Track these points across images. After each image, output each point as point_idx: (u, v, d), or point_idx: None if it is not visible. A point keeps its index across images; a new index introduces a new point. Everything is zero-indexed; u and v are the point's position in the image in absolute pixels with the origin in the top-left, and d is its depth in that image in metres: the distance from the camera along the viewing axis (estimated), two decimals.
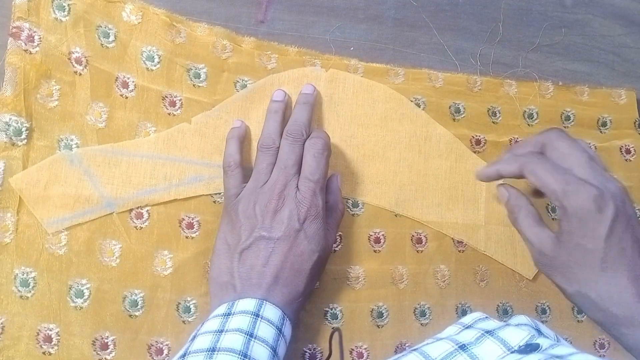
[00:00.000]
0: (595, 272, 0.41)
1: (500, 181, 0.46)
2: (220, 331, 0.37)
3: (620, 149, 0.58)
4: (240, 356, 0.36)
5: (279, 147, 0.46)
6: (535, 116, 0.56)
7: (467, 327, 0.38)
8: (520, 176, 0.44)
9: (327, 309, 0.47)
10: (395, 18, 0.55)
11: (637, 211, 0.42)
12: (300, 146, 0.45)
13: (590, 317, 0.43)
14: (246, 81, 0.49)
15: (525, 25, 0.58)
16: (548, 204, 0.54)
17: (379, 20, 0.55)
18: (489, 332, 0.36)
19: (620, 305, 0.41)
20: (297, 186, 0.44)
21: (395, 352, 0.47)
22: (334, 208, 0.46)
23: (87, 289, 0.42)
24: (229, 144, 0.46)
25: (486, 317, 0.40)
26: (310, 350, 0.46)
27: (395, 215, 0.50)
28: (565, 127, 0.57)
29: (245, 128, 0.48)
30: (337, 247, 0.48)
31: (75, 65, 0.44)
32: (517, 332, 0.36)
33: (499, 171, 0.45)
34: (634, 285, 0.40)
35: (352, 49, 0.53)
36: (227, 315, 0.39)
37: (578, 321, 0.54)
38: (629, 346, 0.41)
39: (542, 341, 0.35)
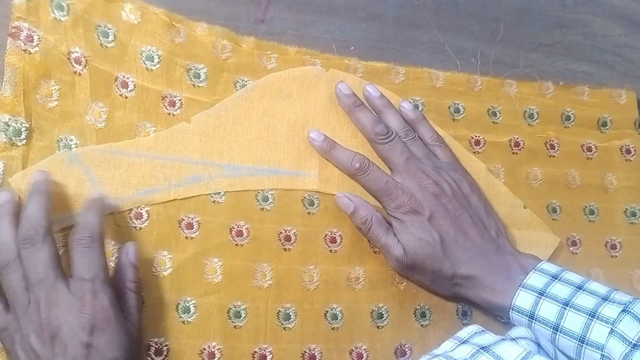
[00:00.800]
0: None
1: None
2: None
3: (621, 149, 0.58)
4: None
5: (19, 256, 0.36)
6: (535, 116, 0.56)
7: (462, 343, 0.38)
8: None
9: (327, 310, 0.47)
10: (396, 17, 0.55)
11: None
12: (41, 246, 0.36)
13: (464, 295, 0.47)
14: (246, 81, 0.49)
15: (525, 25, 0.58)
16: (548, 205, 0.54)
17: (380, 19, 0.54)
18: (484, 348, 0.36)
19: (471, 268, 0.45)
20: (69, 290, 0.36)
21: (395, 353, 0.47)
22: (124, 291, 0.39)
23: None
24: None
25: (482, 331, 0.40)
26: (310, 350, 0.46)
27: None
28: (565, 127, 0.57)
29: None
30: (337, 247, 0.48)
31: (75, 65, 0.44)
32: (513, 348, 0.36)
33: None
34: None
35: (352, 48, 0.53)
36: None
37: None
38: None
39: (537, 359, 0.35)
